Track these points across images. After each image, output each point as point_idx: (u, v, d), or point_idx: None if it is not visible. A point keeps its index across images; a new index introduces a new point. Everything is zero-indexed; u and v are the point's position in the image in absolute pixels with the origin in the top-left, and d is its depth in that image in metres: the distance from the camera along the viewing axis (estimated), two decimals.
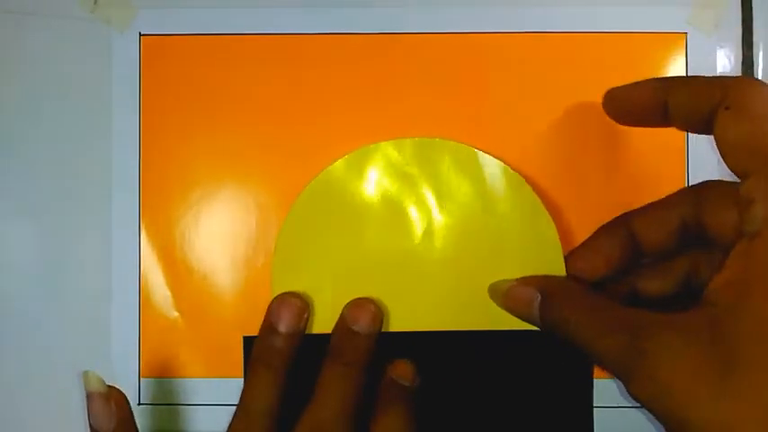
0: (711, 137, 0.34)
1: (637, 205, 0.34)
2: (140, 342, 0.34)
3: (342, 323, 0.31)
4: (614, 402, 0.34)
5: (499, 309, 0.33)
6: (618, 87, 0.27)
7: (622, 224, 0.29)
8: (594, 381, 0.34)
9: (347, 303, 0.32)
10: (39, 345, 0.34)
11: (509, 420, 0.33)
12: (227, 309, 0.34)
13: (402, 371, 0.31)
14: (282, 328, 0.31)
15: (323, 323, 0.33)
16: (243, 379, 0.31)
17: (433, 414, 0.33)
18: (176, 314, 0.34)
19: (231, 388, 0.33)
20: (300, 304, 0.31)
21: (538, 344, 0.32)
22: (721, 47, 0.34)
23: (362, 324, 0.31)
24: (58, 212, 0.34)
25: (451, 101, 0.34)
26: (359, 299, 0.32)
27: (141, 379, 0.34)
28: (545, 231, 0.34)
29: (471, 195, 0.34)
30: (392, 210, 0.34)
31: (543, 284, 0.29)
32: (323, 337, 0.33)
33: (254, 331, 0.33)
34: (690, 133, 0.34)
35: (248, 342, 0.33)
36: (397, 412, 0.30)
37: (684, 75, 0.34)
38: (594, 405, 0.34)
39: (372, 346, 0.31)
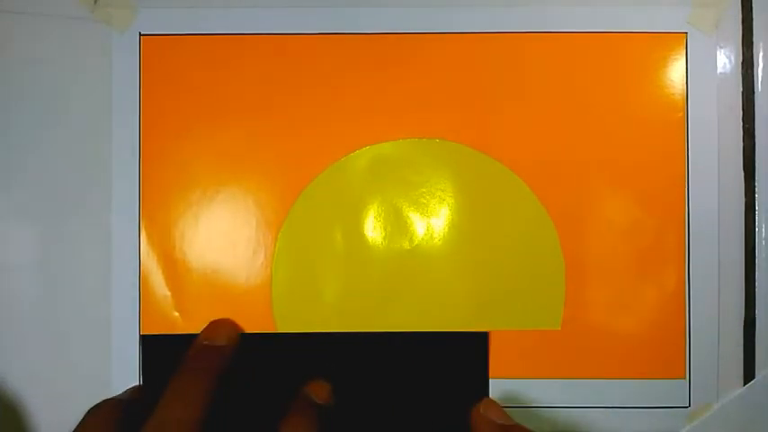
0: (712, 133, 0.34)
1: (636, 204, 0.34)
2: (140, 342, 0.34)
3: (198, 340, 0.32)
4: (614, 403, 0.34)
5: (499, 310, 0.33)
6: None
7: None
8: (594, 381, 0.34)
9: (206, 327, 0.33)
10: (39, 345, 0.34)
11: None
12: (227, 309, 0.34)
13: (318, 390, 0.32)
14: (223, 340, 0.32)
15: (323, 323, 0.34)
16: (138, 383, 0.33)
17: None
18: (176, 314, 0.34)
19: None
20: (234, 325, 0.33)
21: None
22: (721, 47, 0.34)
23: (215, 339, 0.32)
24: (58, 213, 0.34)
25: (451, 101, 0.34)
26: (218, 320, 0.33)
27: (142, 378, 0.34)
28: (544, 232, 0.34)
29: (470, 196, 0.34)
30: (392, 210, 0.34)
31: None
32: (323, 337, 0.33)
33: (253, 330, 0.33)
34: (690, 134, 0.34)
35: (147, 342, 0.34)
36: (305, 426, 0.30)
37: (684, 78, 0.34)
38: (594, 405, 0.34)
39: (224, 359, 0.32)
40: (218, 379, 0.30)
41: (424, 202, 0.34)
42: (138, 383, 0.34)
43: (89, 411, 0.29)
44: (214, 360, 0.31)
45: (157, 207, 0.34)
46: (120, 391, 0.33)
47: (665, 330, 0.34)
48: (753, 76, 0.34)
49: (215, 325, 0.33)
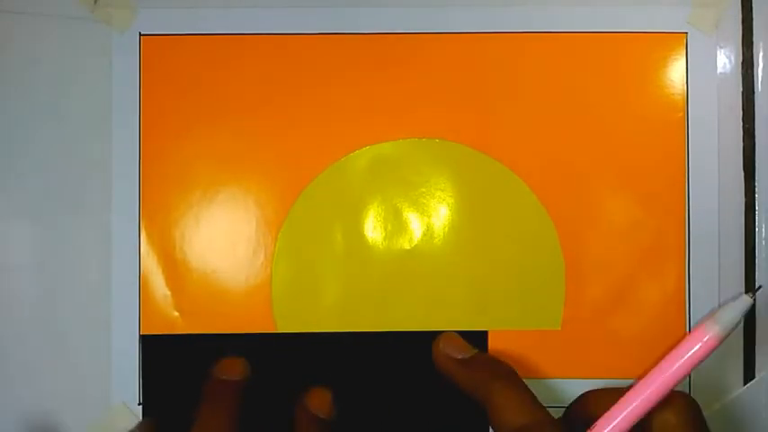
0: (712, 133, 0.34)
1: (636, 204, 0.34)
2: (140, 342, 0.34)
3: (214, 376, 0.32)
4: None
5: (499, 309, 0.33)
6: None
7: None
8: (594, 381, 0.34)
9: (217, 363, 0.32)
10: (38, 345, 0.34)
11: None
12: (227, 309, 0.34)
13: (318, 403, 0.31)
14: (237, 375, 0.32)
15: (323, 323, 0.34)
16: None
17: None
18: (176, 314, 0.34)
19: None
20: (244, 362, 0.33)
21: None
22: (721, 47, 0.34)
23: (231, 375, 0.32)
24: (58, 212, 0.34)
25: (451, 101, 0.34)
26: (229, 358, 0.33)
27: (142, 378, 0.34)
28: (544, 232, 0.34)
29: (470, 196, 0.34)
30: (392, 210, 0.34)
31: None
32: (323, 337, 0.33)
33: (253, 330, 0.33)
34: (690, 134, 0.34)
35: (147, 342, 0.34)
36: None
37: (684, 78, 0.34)
38: None
39: (241, 393, 0.32)
40: (239, 413, 0.31)
41: (424, 202, 0.34)
42: (139, 385, 0.34)
43: None
44: (234, 394, 0.31)
45: (157, 207, 0.34)
46: (121, 391, 0.33)
47: (665, 330, 0.34)
48: (753, 76, 0.34)
49: (228, 362, 0.33)
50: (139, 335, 0.34)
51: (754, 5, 0.34)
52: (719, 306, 0.27)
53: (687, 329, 0.34)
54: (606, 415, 0.27)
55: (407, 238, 0.34)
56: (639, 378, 0.27)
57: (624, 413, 0.27)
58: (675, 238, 0.34)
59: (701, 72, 0.34)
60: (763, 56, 0.34)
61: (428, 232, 0.34)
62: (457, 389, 0.31)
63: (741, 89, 0.34)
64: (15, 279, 0.34)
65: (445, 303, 0.34)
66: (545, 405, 0.34)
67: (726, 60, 0.34)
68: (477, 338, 0.33)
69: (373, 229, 0.34)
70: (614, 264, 0.34)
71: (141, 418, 0.34)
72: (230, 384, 0.32)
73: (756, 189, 0.34)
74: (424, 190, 0.34)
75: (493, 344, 0.33)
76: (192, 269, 0.34)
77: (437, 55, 0.34)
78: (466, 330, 0.33)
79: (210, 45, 0.34)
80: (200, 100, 0.34)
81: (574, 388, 0.34)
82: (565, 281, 0.34)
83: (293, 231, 0.34)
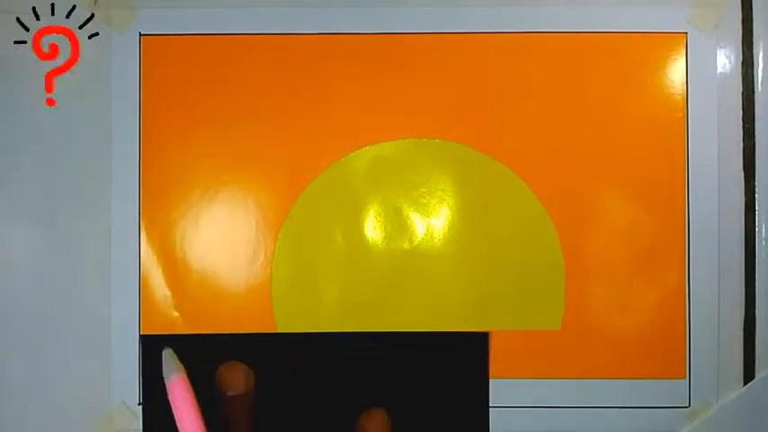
0: (712, 133, 0.34)
1: (636, 204, 0.34)
2: (140, 342, 0.34)
3: (222, 392, 0.31)
4: (614, 403, 0.34)
5: (499, 310, 0.33)
6: None
7: None
8: (594, 381, 0.34)
9: (219, 372, 0.32)
10: (39, 345, 0.34)
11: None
12: (227, 309, 0.34)
13: (376, 425, 0.31)
14: (242, 388, 0.31)
15: (323, 323, 0.34)
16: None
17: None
18: (176, 314, 0.34)
19: None
20: (246, 368, 0.32)
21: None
22: (721, 47, 0.34)
23: (237, 388, 0.31)
24: (58, 212, 0.34)
25: (451, 101, 0.34)
26: (229, 365, 0.32)
27: (142, 378, 0.34)
28: (544, 232, 0.34)
29: (470, 196, 0.34)
30: (392, 210, 0.34)
31: None
32: (323, 337, 0.33)
33: (253, 330, 0.33)
34: (690, 134, 0.34)
35: (147, 342, 0.33)
36: None
37: (684, 78, 0.34)
38: (594, 405, 0.34)
39: (248, 403, 0.31)
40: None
41: (424, 202, 0.34)
42: (139, 385, 0.34)
43: None
44: (242, 409, 0.31)
45: (157, 207, 0.34)
46: (121, 391, 0.33)
47: (665, 330, 0.34)
48: (753, 76, 0.34)
49: (229, 372, 0.32)
50: (139, 335, 0.34)
51: (754, 5, 0.34)
52: None
53: (687, 329, 0.34)
54: None
55: (407, 238, 0.34)
56: None
57: None
58: (675, 238, 0.34)
59: (700, 72, 0.34)
60: (763, 56, 0.34)
61: (428, 232, 0.34)
62: (457, 389, 0.31)
63: (741, 89, 0.34)
64: (16, 279, 0.34)
65: (445, 304, 0.34)
66: (544, 405, 0.34)
67: (726, 60, 0.34)
68: (478, 339, 0.33)
69: (373, 229, 0.34)
70: (614, 264, 0.34)
71: (141, 418, 0.34)
72: (239, 398, 0.31)
73: (756, 189, 0.34)
74: (424, 190, 0.34)
75: (493, 344, 0.34)
76: (192, 269, 0.34)
77: (437, 55, 0.34)
78: (466, 331, 0.33)
79: (211, 45, 0.34)
80: (199, 100, 0.34)
81: (574, 388, 0.34)
82: (565, 281, 0.34)
83: (293, 231, 0.34)
